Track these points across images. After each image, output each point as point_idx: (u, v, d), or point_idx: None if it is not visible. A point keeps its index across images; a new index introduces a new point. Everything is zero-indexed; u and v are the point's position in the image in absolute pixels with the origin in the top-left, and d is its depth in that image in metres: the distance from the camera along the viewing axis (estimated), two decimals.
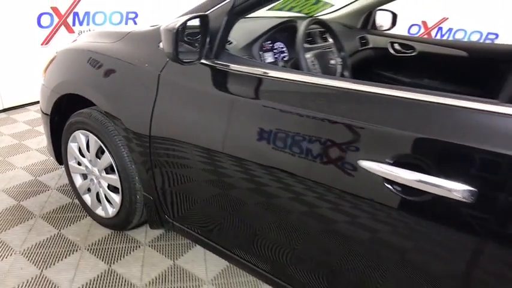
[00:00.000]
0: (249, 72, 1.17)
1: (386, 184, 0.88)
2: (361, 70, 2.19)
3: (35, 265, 1.61)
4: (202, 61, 1.24)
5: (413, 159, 0.85)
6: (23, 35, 3.30)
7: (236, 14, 1.19)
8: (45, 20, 3.44)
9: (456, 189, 0.79)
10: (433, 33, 4.53)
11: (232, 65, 1.20)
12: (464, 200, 0.79)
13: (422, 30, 4.58)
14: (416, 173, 0.84)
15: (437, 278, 0.88)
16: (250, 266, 1.32)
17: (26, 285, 1.51)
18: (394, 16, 2.34)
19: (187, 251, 1.73)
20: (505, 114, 0.77)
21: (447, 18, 4.39)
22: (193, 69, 1.26)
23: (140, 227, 1.85)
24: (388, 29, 2.39)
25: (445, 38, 4.41)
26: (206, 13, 1.19)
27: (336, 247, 1.04)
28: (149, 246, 1.75)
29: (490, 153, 0.77)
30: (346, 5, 2.35)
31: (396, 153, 0.87)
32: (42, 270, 1.58)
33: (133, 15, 4.15)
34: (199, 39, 1.20)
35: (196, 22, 1.18)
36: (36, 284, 1.51)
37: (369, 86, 0.95)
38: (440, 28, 4.46)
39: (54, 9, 3.47)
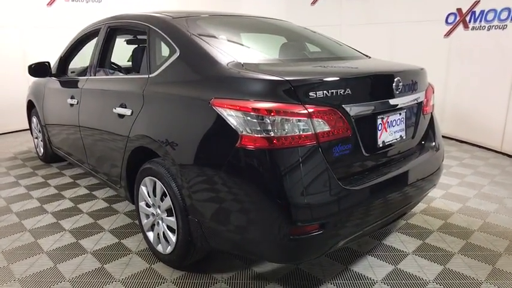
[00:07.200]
0: (70, 79, 3.23)
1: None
2: None
3: None
4: (54, 78, 3.40)
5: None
6: None
7: (62, 61, 3.40)
8: None
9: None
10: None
11: (64, 78, 3.36)
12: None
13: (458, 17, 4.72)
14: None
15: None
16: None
17: None
18: None
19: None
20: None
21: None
22: (54, 81, 3.43)
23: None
24: None
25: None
26: (48, 61, 3.41)
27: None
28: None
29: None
30: None
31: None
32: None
33: None
34: (46, 70, 3.38)
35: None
36: None
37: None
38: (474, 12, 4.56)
39: None
